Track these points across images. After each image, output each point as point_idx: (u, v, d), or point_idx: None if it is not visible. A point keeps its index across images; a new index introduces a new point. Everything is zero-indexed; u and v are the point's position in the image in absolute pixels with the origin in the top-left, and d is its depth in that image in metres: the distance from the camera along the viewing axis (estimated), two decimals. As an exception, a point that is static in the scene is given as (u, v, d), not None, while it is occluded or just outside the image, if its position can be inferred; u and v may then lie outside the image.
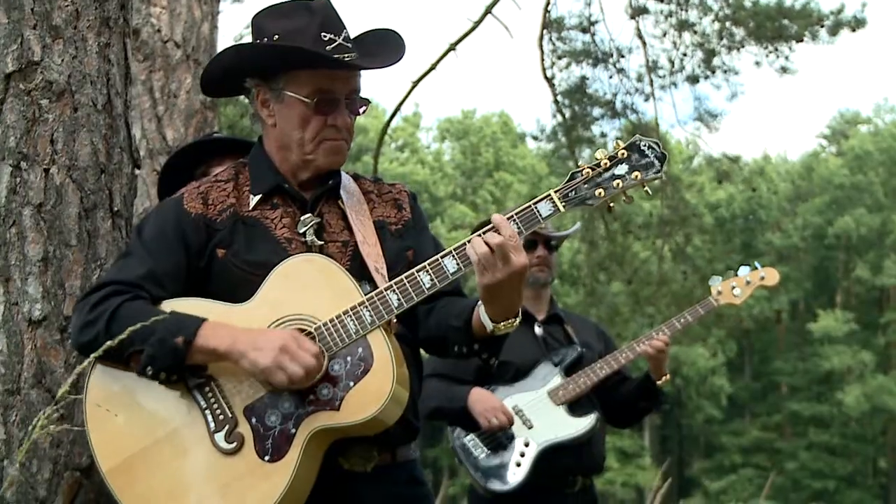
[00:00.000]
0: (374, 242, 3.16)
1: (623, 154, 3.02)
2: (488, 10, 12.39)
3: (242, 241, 3.12)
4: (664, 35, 14.46)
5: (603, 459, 5.48)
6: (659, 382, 5.32)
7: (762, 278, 5.42)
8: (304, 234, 3.13)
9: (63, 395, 2.88)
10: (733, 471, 49.75)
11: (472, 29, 12.53)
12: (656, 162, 3.02)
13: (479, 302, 3.05)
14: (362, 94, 3.21)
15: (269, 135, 3.23)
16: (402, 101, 13.39)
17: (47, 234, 3.44)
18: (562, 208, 3.00)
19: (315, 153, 3.15)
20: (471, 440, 5.19)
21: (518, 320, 3.06)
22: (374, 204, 3.28)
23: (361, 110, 3.21)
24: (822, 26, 14.41)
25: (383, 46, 3.24)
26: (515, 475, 5.10)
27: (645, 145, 3.03)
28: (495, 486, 5.12)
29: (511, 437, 5.15)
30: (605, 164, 3.02)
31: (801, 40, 14.40)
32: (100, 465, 3.05)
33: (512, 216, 2.99)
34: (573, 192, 3.02)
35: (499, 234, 2.93)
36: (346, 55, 3.11)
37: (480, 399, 5.14)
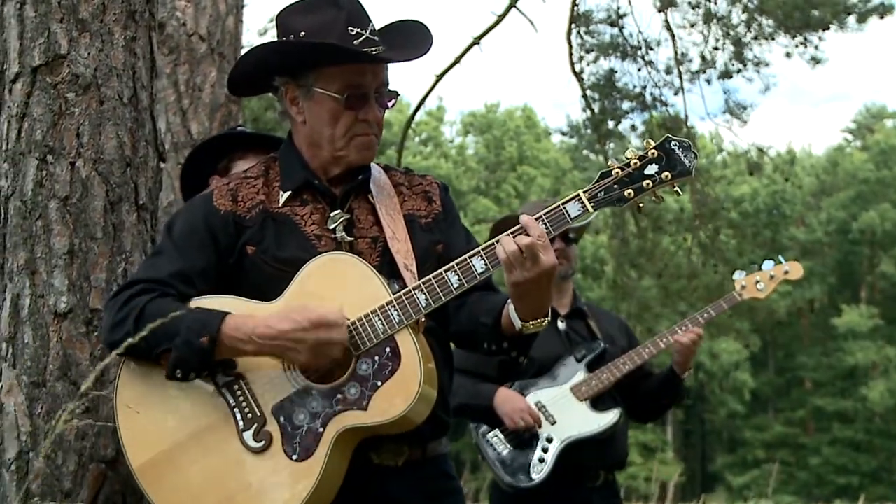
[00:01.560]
0: (404, 238, 3.14)
1: (654, 154, 2.99)
2: (512, 4, 12.35)
3: (272, 237, 3.11)
4: (692, 26, 14.36)
5: (626, 454, 5.47)
6: (684, 376, 5.31)
7: (786, 272, 5.40)
8: (333, 231, 3.11)
9: (87, 389, 2.89)
10: (756, 466, 49.59)
11: (497, 23, 12.48)
12: (687, 161, 2.98)
13: (509, 300, 3.05)
14: (390, 88, 3.20)
15: (299, 132, 3.21)
16: (426, 94, 13.36)
17: (73, 227, 3.46)
18: (590, 209, 2.98)
19: (346, 149, 3.14)
20: (494, 436, 5.19)
21: (547, 320, 3.05)
22: (404, 197, 3.26)
23: (390, 103, 3.19)
24: (850, 14, 14.31)
25: (410, 38, 3.22)
26: (539, 471, 5.09)
27: (675, 144, 3.00)
28: (518, 481, 5.11)
29: (534, 433, 5.14)
30: (636, 163, 2.99)
31: (828, 28, 14.30)
32: (130, 462, 3.06)
33: (541, 216, 2.97)
34: (602, 193, 2.99)
35: (528, 234, 2.92)
36: (373, 49, 3.10)
37: (507, 399, 5.14)
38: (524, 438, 5.14)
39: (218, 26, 6.55)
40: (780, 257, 5.49)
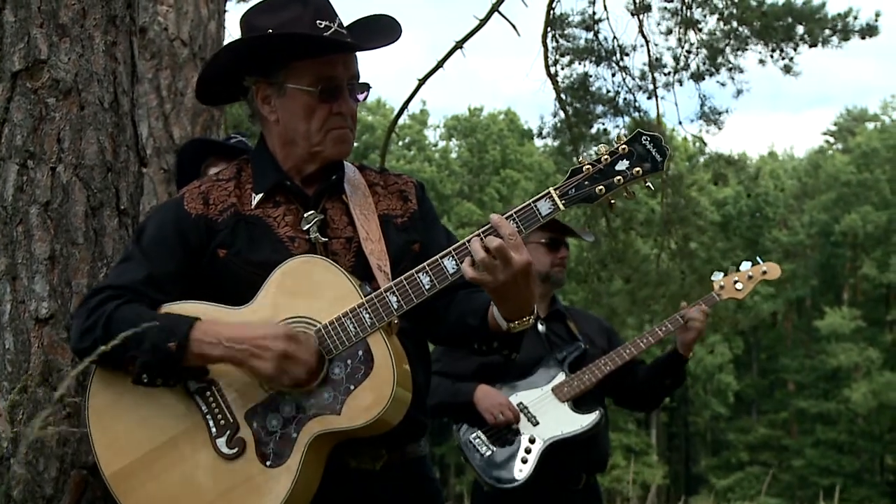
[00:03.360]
0: (378, 238, 3.12)
1: (624, 149, 2.95)
2: (495, 8, 12.37)
3: (244, 240, 3.09)
4: (669, 33, 14.45)
5: (608, 456, 5.49)
6: (689, 356, 5.33)
7: (764, 273, 5.44)
8: (307, 232, 3.09)
9: (62, 396, 2.88)
10: (740, 468, 49.73)
11: (479, 27, 12.51)
12: (658, 157, 2.94)
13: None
14: (362, 80, 3.16)
15: (272, 131, 3.18)
16: (409, 98, 13.40)
17: (54, 233, 3.45)
18: (561, 206, 2.94)
19: (322, 144, 3.11)
20: (476, 437, 5.21)
21: (533, 317, 3.02)
22: (379, 197, 3.24)
23: (362, 96, 3.16)
24: (834, 31, 14.39)
25: (378, 28, 3.20)
26: (521, 471, 5.11)
27: (647, 139, 2.95)
28: (501, 482, 5.13)
29: (516, 434, 5.17)
30: (606, 159, 2.95)
31: (815, 45, 14.39)
32: (102, 470, 3.04)
33: (511, 215, 2.93)
34: (573, 190, 2.94)
35: (497, 234, 2.88)
36: (343, 40, 3.09)
37: (486, 395, 5.16)
38: (506, 439, 5.17)
39: (200, 31, 6.53)
40: (759, 258, 5.52)
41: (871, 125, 58.90)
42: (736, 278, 5.43)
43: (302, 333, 2.94)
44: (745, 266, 5.45)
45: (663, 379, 5.45)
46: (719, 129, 15.20)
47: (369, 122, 50.89)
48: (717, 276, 5.48)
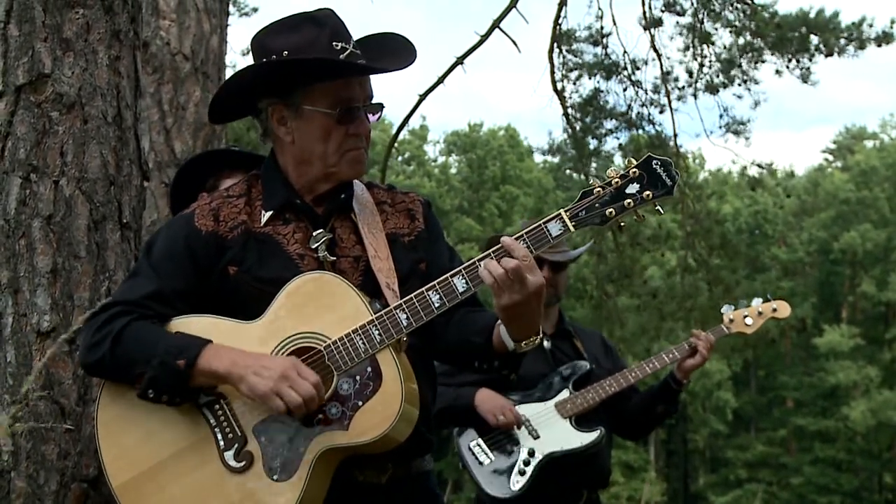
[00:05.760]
0: (386, 256, 3.13)
1: (635, 173, 2.97)
2: (496, 25, 12.37)
3: (254, 257, 3.09)
4: (686, 49, 14.41)
5: (608, 473, 5.49)
6: (684, 383, 5.33)
7: (774, 310, 5.47)
8: (316, 250, 3.10)
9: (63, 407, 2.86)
10: (739, 485, 49.61)
11: (480, 43, 12.51)
12: (668, 181, 2.97)
13: (500, 321, 3.04)
14: (375, 100, 3.17)
15: (286, 151, 3.17)
16: (410, 114, 13.38)
17: (56, 246, 3.45)
18: (572, 228, 2.97)
19: (338, 165, 3.12)
20: (476, 446, 5.22)
21: (539, 337, 3.05)
22: (386, 215, 3.25)
23: (375, 116, 3.16)
24: (850, 41, 14.37)
25: (392, 48, 3.20)
26: (517, 483, 5.13)
27: (657, 163, 2.98)
28: (497, 492, 5.14)
29: (516, 445, 5.18)
30: (617, 182, 2.98)
31: (831, 54, 14.38)
32: (110, 482, 3.05)
33: (521, 236, 2.96)
34: (584, 212, 2.97)
35: (511, 256, 2.90)
36: (359, 62, 3.09)
37: (488, 398, 5.18)
38: (505, 449, 5.18)
39: (202, 45, 6.55)
40: (769, 294, 5.55)
41: (870, 143, 59.01)
42: (746, 313, 5.45)
43: (308, 368, 2.94)
44: (756, 302, 5.48)
45: (657, 405, 5.46)
46: (747, 138, 15.17)
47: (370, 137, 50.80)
48: (727, 310, 5.50)
